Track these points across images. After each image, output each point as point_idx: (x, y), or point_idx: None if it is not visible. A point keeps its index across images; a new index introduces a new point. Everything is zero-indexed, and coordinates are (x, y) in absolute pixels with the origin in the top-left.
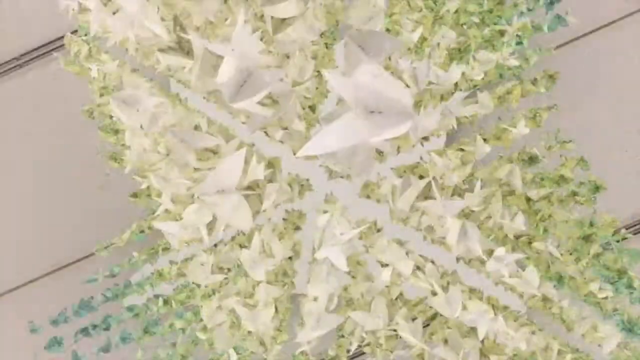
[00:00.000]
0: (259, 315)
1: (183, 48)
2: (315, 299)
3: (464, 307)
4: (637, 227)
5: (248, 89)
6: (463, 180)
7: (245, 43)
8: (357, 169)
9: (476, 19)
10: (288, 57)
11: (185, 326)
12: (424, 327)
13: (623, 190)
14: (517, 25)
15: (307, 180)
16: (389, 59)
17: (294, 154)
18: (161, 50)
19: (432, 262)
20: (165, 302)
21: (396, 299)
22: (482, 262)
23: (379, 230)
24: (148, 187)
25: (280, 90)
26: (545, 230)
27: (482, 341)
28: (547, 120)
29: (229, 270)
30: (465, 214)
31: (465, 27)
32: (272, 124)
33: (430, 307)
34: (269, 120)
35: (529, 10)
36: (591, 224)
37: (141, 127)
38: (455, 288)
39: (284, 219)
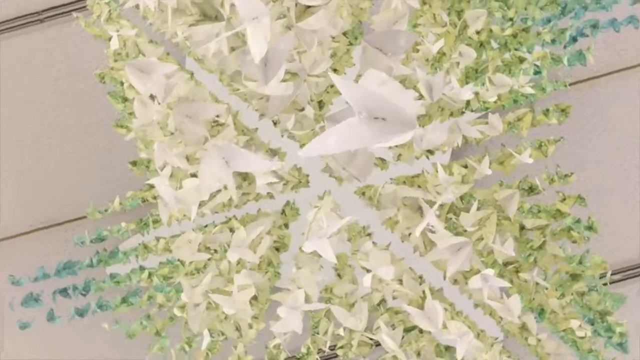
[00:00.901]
0: (236, 297)
1: (208, 15)
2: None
3: (444, 326)
4: (626, 272)
5: (271, 68)
6: (461, 200)
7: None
8: (355, 171)
9: (498, 42)
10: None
11: (165, 302)
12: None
13: (618, 234)
14: (538, 54)
15: (307, 175)
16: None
17: (301, 146)
18: (181, 13)
19: (421, 277)
20: (149, 274)
21: (379, 304)
22: (466, 281)
23: (368, 235)
24: (149, 161)
25: (294, 68)
26: (534, 261)
27: None
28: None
29: (215, 251)
30: (458, 233)
31: (486, 47)
32: (287, 109)
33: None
34: (287, 102)
35: (552, 41)
36: (580, 262)
37: (151, 97)
38: (437, 302)
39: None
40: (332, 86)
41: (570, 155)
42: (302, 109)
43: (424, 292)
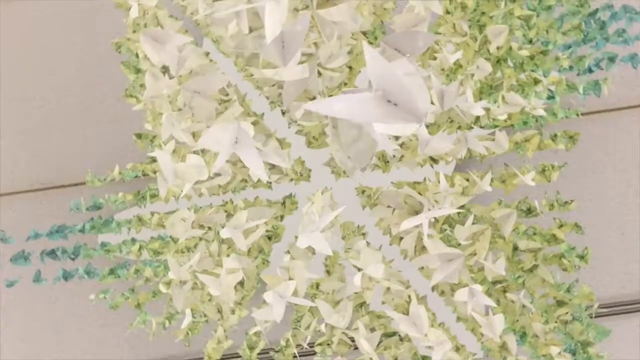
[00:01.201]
0: (223, 280)
1: None
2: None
3: (425, 334)
4: (613, 308)
5: (288, 50)
6: (458, 213)
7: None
8: (355, 156)
9: (514, 62)
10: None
11: (152, 276)
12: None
13: (610, 268)
14: (553, 79)
15: (309, 170)
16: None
17: (308, 141)
18: None
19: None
20: (140, 247)
21: (360, 306)
22: (453, 293)
23: (363, 234)
24: (154, 137)
25: (309, 51)
26: (523, 283)
27: None
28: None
29: (209, 228)
30: (451, 246)
31: (502, 64)
32: (298, 97)
33: (391, 324)
34: (301, 89)
35: (570, 68)
36: (568, 290)
37: (163, 70)
38: (422, 307)
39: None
40: (345, 83)
41: (572, 184)
42: (314, 98)
43: (409, 296)
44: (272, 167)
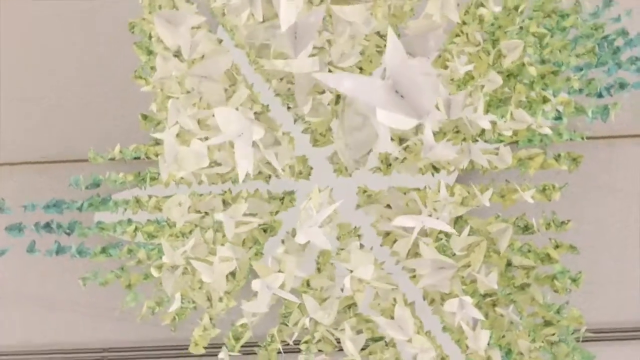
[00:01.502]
0: (216, 268)
1: None
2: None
3: (410, 340)
4: (600, 334)
5: (300, 41)
6: (455, 224)
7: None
8: (355, 145)
9: (525, 79)
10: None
11: (144, 258)
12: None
13: (604, 293)
14: (562, 99)
15: (311, 168)
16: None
17: (312, 139)
18: None
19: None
20: (135, 228)
21: (349, 307)
22: (442, 302)
23: (358, 236)
24: (159, 122)
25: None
26: (513, 300)
27: None
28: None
29: (206, 213)
30: (446, 255)
31: (511, 80)
32: (310, 91)
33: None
34: (312, 82)
35: (580, 90)
36: (558, 311)
37: (176, 54)
38: (407, 310)
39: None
40: None
41: (572, 206)
42: (323, 92)
43: (394, 299)
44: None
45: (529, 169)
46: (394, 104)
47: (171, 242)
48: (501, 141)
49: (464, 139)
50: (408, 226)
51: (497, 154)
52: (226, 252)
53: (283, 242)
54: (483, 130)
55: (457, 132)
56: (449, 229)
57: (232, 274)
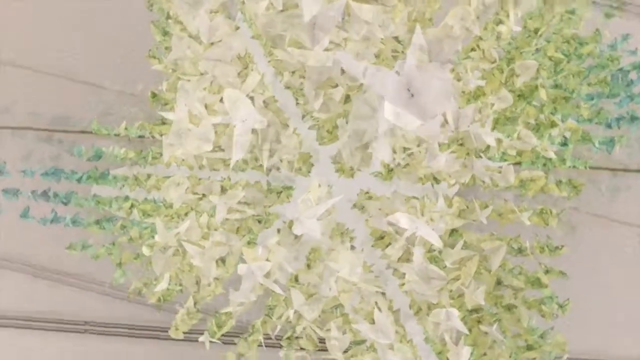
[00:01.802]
0: (208, 252)
1: None
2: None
3: (391, 347)
4: None
5: (319, 32)
6: (449, 236)
7: None
8: (354, 132)
9: (535, 101)
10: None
11: (136, 236)
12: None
13: (590, 323)
14: (570, 126)
15: (312, 165)
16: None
17: (319, 138)
18: None
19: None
20: (131, 205)
21: (336, 307)
22: (429, 312)
23: (351, 239)
24: (167, 102)
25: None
26: (498, 319)
27: None
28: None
29: (204, 195)
30: (438, 267)
31: (521, 100)
32: (322, 85)
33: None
34: (325, 76)
35: (589, 119)
36: (542, 336)
37: (191, 35)
38: (386, 315)
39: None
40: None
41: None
42: (335, 86)
43: (376, 302)
44: (272, 155)
45: (529, 190)
46: (403, 100)
47: (165, 223)
48: (505, 160)
49: (468, 153)
50: (402, 227)
51: (500, 171)
52: (219, 237)
53: (279, 231)
54: (488, 147)
55: (461, 144)
56: (438, 242)
57: (223, 260)
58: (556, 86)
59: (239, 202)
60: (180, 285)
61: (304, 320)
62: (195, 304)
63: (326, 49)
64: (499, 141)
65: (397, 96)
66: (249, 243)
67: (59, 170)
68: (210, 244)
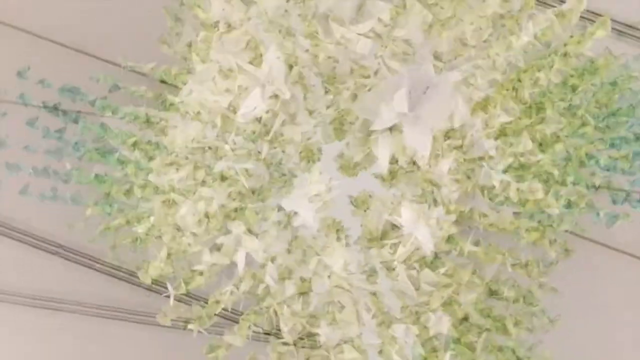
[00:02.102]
0: (194, 203)
1: None
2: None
3: (380, 351)
4: None
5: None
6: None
7: None
8: (362, 106)
9: (553, 156)
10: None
11: (132, 174)
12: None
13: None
14: (579, 191)
15: (315, 160)
16: None
17: (330, 134)
18: None
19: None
20: (135, 142)
21: (328, 304)
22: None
23: (346, 236)
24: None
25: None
26: (487, 329)
27: None
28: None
29: (209, 148)
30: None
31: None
32: (355, 73)
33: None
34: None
35: (595, 187)
36: (529, 349)
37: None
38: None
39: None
40: None
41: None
42: (368, 76)
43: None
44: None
45: (521, 239)
46: (400, 95)
47: (163, 168)
48: (506, 204)
49: (465, 160)
50: (402, 224)
51: (498, 211)
52: (209, 192)
53: (279, 209)
54: (488, 156)
55: (469, 178)
56: (431, 248)
57: (207, 216)
58: (566, 106)
59: (238, 193)
60: (159, 231)
61: (271, 298)
62: (169, 255)
63: (338, 44)
64: (506, 184)
65: (400, 90)
66: (238, 210)
67: (76, 88)
68: (198, 195)
